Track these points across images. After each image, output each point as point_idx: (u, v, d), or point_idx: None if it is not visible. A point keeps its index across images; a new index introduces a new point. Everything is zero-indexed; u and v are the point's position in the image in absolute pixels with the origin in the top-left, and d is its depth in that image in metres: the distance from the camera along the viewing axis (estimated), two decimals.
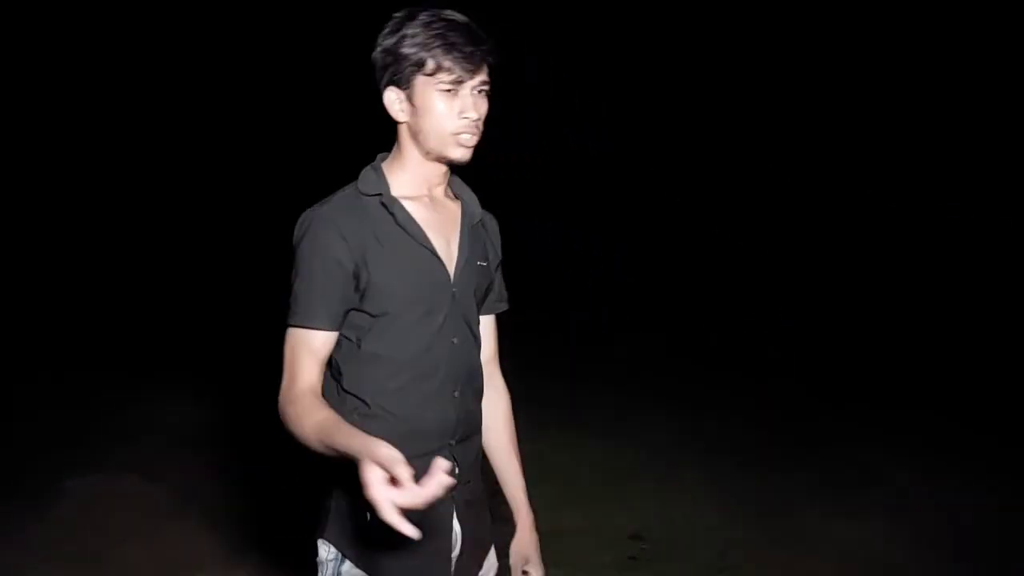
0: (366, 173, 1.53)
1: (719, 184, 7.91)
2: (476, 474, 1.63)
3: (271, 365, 1.52)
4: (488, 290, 1.67)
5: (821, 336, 6.37)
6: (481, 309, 1.66)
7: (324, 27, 7.75)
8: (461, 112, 1.45)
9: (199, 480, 3.93)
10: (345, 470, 1.41)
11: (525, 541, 1.71)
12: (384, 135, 1.58)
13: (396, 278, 1.47)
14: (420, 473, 1.43)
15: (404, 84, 1.46)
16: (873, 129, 7.32)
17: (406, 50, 1.43)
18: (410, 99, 1.46)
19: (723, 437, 4.64)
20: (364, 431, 1.37)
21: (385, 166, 1.55)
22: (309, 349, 1.45)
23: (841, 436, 4.64)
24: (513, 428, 1.74)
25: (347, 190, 1.53)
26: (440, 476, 1.11)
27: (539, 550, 1.73)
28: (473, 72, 1.44)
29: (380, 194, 1.50)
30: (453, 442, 1.54)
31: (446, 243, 1.54)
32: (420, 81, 1.44)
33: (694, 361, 6.08)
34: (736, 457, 4.34)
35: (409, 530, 1.09)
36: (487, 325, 1.71)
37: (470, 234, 1.58)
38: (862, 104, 7.34)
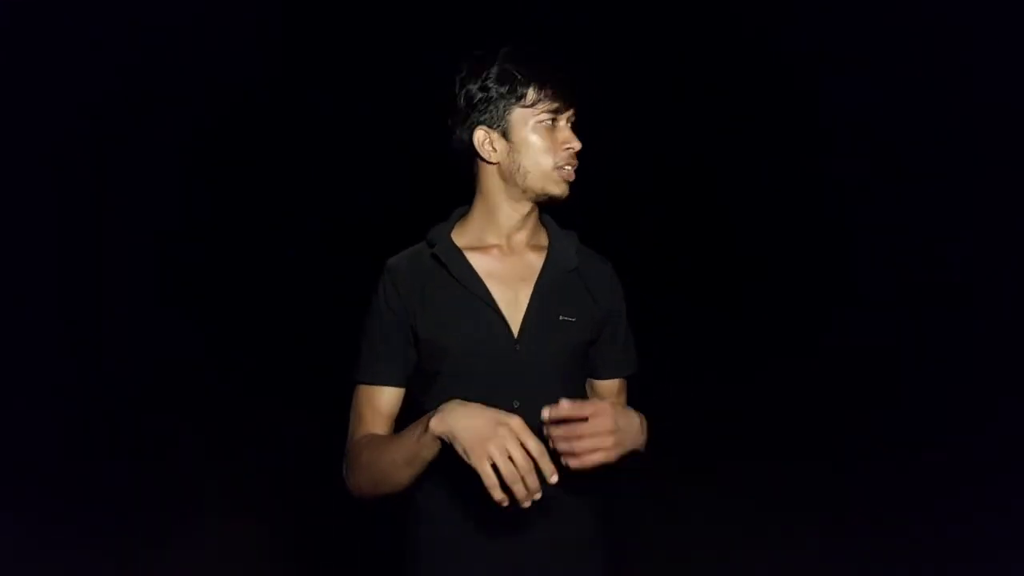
0: (437, 226, 1.47)
1: None
2: (562, 568, 1.42)
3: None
4: (587, 348, 1.46)
5: None
6: (598, 371, 1.50)
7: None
8: (564, 143, 1.36)
9: (305, 523, 3.91)
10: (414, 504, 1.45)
11: None
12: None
13: (446, 334, 1.37)
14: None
15: (496, 122, 1.36)
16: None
17: (499, 84, 1.35)
18: (505, 136, 1.36)
19: None
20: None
21: (459, 218, 1.47)
22: (371, 406, 1.41)
23: None
24: None
25: (423, 243, 1.47)
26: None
27: None
28: (571, 101, 1.36)
29: (435, 246, 1.42)
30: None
31: (514, 295, 1.40)
32: (517, 115, 1.35)
33: None
34: None
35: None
36: (608, 391, 1.51)
37: (551, 285, 1.41)
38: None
